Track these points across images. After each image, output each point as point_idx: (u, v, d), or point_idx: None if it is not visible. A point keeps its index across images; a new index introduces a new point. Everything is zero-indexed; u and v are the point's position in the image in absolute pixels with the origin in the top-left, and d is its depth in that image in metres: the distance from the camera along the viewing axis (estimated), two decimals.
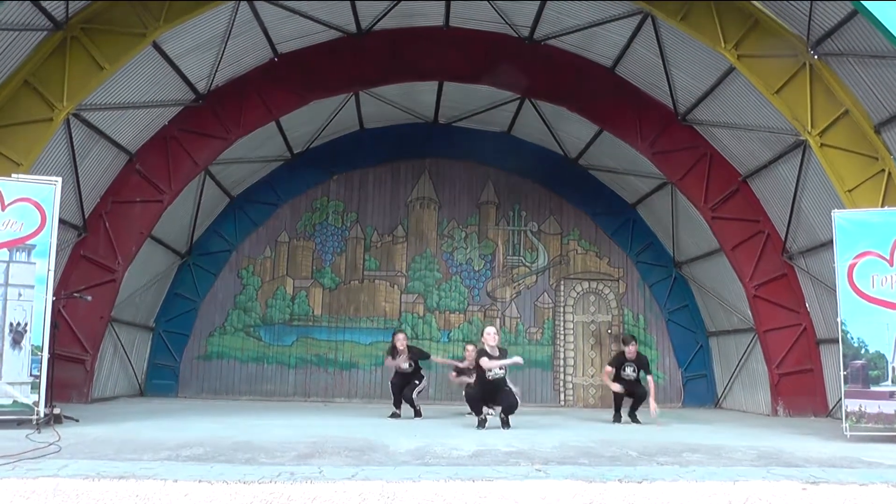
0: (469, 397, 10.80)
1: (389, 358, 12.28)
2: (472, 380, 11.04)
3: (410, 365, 12.11)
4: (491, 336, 10.42)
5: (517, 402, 10.45)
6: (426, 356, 12.88)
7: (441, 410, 13.18)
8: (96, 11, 11.52)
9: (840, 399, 9.89)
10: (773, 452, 7.60)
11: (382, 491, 5.19)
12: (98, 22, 11.55)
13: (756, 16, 11.90)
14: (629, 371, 11.81)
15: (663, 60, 13.29)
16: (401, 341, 12.22)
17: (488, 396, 10.49)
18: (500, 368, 10.22)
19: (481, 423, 10.12)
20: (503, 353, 10.54)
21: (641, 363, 11.94)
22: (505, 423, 10.11)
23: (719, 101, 13.33)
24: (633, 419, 11.68)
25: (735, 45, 12.00)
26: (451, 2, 13.51)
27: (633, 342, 12.13)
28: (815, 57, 11.57)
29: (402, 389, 12.03)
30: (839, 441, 8.85)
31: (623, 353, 12.05)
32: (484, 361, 10.09)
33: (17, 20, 10.32)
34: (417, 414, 11.90)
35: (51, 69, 11.33)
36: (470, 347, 12.77)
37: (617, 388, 11.78)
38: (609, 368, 12.18)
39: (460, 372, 12.66)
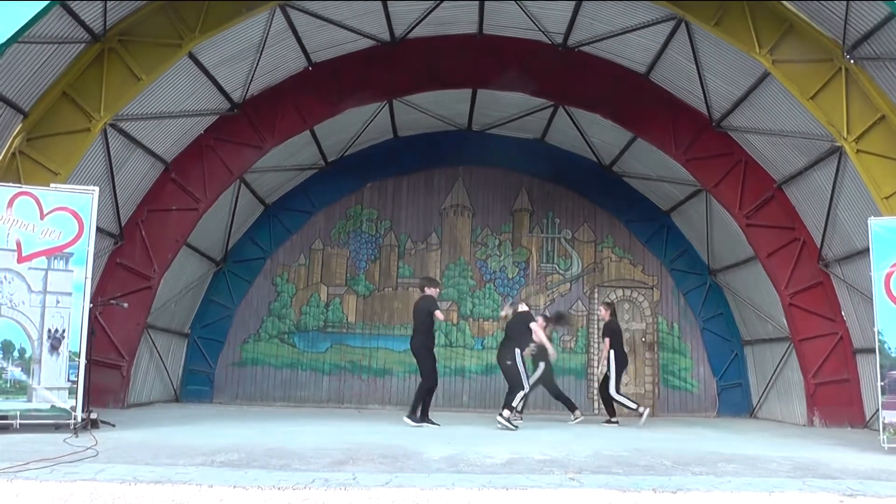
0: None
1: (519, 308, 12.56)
2: None
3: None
4: None
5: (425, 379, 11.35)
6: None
7: (474, 418, 13.17)
8: (133, 23, 11.70)
9: (877, 410, 9.76)
10: (809, 464, 7.52)
11: (416, 498, 5.22)
12: (135, 34, 11.73)
13: (791, 20, 11.79)
14: None
15: (697, 66, 13.19)
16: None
17: None
18: None
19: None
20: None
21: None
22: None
23: (754, 106, 13.20)
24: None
25: (770, 50, 11.88)
26: (486, 2, 13.42)
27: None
28: (851, 61, 11.43)
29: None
30: (876, 453, 8.72)
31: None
32: None
33: (56, 33, 10.50)
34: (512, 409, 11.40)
35: (89, 80, 11.53)
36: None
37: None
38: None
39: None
